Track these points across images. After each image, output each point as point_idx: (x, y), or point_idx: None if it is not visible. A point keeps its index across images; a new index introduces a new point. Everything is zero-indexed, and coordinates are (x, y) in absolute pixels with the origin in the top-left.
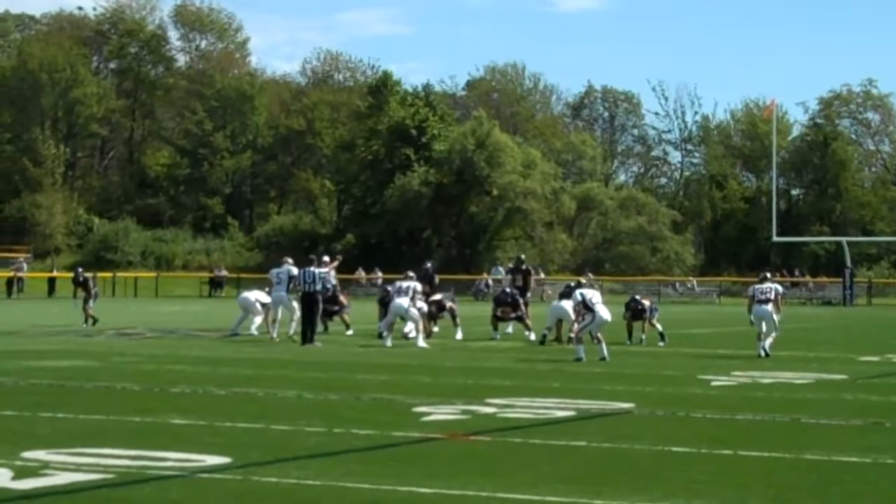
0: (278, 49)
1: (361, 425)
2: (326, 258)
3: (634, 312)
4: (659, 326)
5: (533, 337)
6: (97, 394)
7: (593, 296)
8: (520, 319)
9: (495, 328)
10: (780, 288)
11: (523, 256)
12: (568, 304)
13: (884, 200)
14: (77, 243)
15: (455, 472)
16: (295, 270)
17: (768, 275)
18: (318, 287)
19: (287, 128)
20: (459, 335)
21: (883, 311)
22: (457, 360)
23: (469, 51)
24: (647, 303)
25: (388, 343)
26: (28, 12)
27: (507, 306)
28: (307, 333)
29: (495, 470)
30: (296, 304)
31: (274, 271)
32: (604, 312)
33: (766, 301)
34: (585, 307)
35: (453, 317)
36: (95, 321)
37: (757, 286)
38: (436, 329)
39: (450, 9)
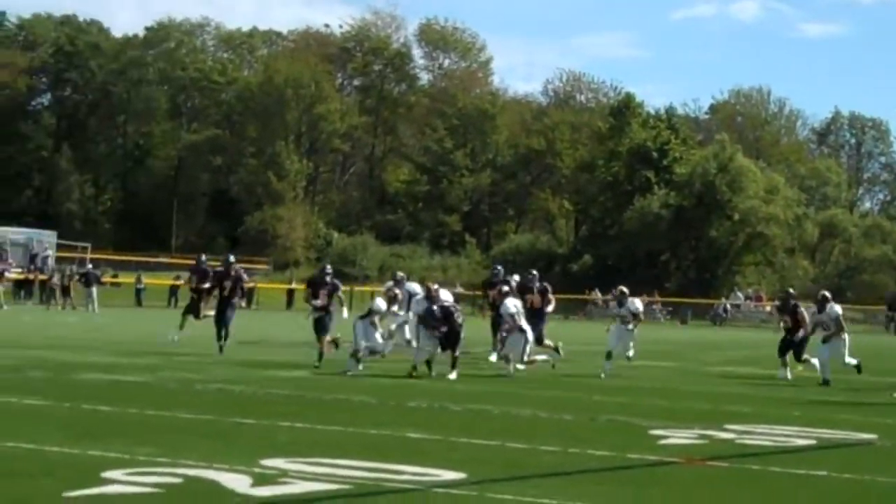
0: (517, 70)
1: (597, 446)
2: None
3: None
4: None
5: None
6: (334, 405)
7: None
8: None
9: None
10: None
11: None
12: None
13: None
14: (316, 256)
15: (693, 497)
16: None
17: None
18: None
19: (527, 147)
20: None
21: None
22: (693, 385)
23: (710, 75)
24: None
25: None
26: (275, 28)
27: None
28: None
29: (734, 497)
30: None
31: None
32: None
33: None
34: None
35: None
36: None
37: None
38: None
39: (688, 33)
